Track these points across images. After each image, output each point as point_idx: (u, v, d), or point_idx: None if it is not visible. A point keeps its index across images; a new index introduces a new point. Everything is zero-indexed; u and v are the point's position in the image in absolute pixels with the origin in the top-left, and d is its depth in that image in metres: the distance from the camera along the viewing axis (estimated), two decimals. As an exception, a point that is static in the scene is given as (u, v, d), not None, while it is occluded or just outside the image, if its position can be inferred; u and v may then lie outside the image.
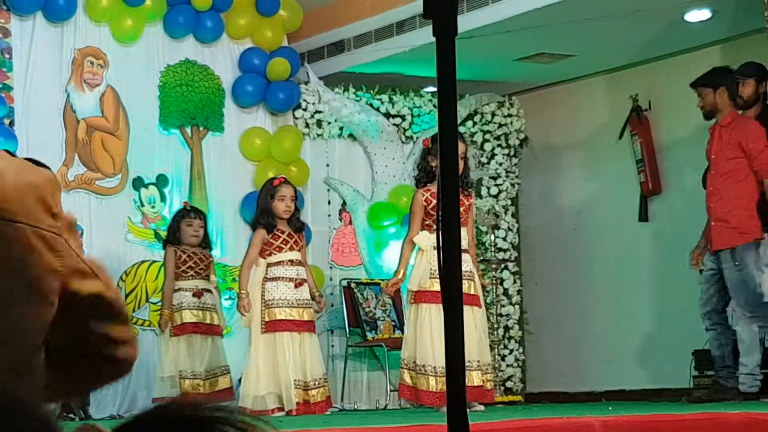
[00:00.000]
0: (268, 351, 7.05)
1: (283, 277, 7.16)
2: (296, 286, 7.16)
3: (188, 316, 7.69)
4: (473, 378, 6.43)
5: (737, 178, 6.94)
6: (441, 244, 1.63)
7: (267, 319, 7.06)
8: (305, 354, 7.14)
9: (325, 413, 7.19)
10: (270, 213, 7.16)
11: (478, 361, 6.51)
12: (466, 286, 6.55)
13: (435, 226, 6.55)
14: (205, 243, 7.88)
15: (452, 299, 1.64)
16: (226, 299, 8.56)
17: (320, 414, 7.16)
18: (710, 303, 7.16)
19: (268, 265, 7.18)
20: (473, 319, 6.50)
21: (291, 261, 7.20)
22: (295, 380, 7.06)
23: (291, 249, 7.20)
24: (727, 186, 6.98)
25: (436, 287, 6.39)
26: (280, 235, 7.20)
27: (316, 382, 7.17)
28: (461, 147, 6.61)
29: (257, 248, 7.19)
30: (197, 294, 7.73)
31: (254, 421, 0.91)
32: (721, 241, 6.99)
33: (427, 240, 6.61)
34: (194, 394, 7.53)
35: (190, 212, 7.84)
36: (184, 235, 7.75)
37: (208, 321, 7.76)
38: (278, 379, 7.08)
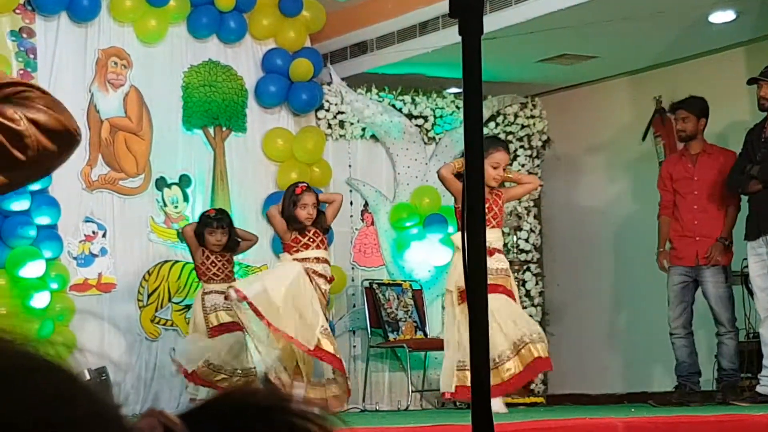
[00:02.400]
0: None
1: (313, 271, 7.29)
2: (328, 282, 7.32)
3: (224, 317, 7.69)
4: (538, 350, 6.46)
5: (720, 201, 7.58)
6: (466, 244, 1.63)
7: None
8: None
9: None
10: (295, 220, 7.26)
11: (538, 333, 6.54)
12: (504, 282, 6.62)
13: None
14: (229, 248, 7.84)
15: (477, 301, 1.64)
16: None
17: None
18: (685, 313, 7.70)
19: (295, 260, 7.27)
20: (512, 304, 6.56)
21: (317, 258, 7.32)
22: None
23: (318, 247, 7.32)
24: (714, 207, 7.58)
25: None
26: (307, 233, 7.30)
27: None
28: (507, 158, 6.69)
29: (281, 226, 7.31)
30: (228, 297, 7.75)
31: (322, 413, 0.92)
32: (707, 257, 7.55)
33: None
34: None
35: (212, 221, 7.77)
36: (207, 243, 7.74)
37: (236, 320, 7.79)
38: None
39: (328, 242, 8.64)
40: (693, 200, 7.67)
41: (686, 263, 7.64)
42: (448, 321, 6.75)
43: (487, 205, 6.53)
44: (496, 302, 6.41)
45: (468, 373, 6.48)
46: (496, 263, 6.50)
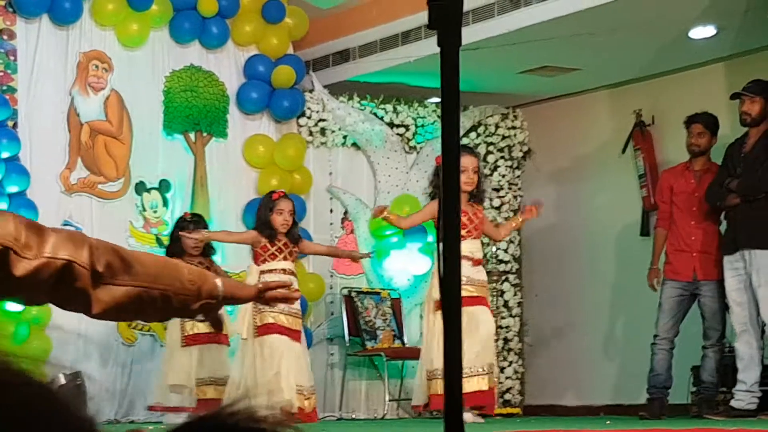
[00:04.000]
0: (261, 354, 7.04)
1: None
2: None
3: (202, 327, 7.63)
4: (486, 382, 6.42)
5: (711, 217, 7.60)
6: (441, 256, 1.63)
7: (259, 323, 7.07)
8: (300, 360, 7.14)
9: (315, 422, 7.19)
10: (269, 226, 7.20)
11: (491, 365, 6.50)
12: (485, 294, 6.60)
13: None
14: (206, 251, 7.79)
15: (452, 312, 1.64)
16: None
17: (314, 422, 7.14)
18: (675, 327, 7.70)
19: (261, 272, 7.18)
20: (489, 323, 6.51)
21: (284, 270, 7.22)
22: (297, 385, 7.05)
23: (285, 258, 7.24)
24: (709, 223, 7.58)
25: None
26: (276, 243, 7.22)
27: (309, 390, 7.17)
28: (474, 161, 6.66)
29: (247, 236, 7.19)
30: None
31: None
32: (705, 272, 7.54)
33: None
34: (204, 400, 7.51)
35: (189, 224, 7.71)
36: (185, 247, 7.68)
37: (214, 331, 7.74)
38: (270, 383, 7.05)
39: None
40: (691, 216, 7.67)
41: (683, 278, 7.64)
42: (428, 332, 6.71)
43: (467, 217, 6.54)
44: (484, 315, 6.42)
45: (440, 381, 6.51)
46: (479, 274, 6.52)
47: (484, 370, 6.34)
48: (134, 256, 1.98)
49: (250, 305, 7.12)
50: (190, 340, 7.61)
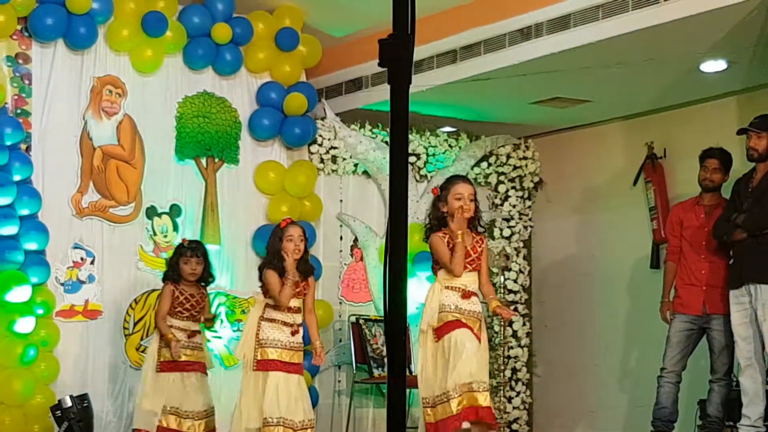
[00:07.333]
0: (258, 387, 6.96)
1: (279, 320, 7.05)
2: (292, 334, 7.06)
3: (181, 355, 7.60)
4: (485, 398, 6.36)
5: (720, 252, 7.57)
6: (388, 286, 1.65)
7: (259, 358, 6.97)
8: (295, 394, 7.01)
9: None
10: (280, 255, 7.06)
11: (485, 383, 6.44)
12: (473, 324, 6.52)
13: (444, 268, 6.58)
14: (204, 279, 7.69)
15: (396, 327, 1.66)
16: (234, 330, 8.61)
17: None
18: (683, 361, 7.68)
19: (267, 305, 7.09)
20: (476, 347, 6.42)
21: (289, 308, 7.09)
22: (284, 418, 6.92)
23: (294, 296, 7.09)
24: (719, 258, 7.55)
25: (450, 318, 6.40)
26: (287, 279, 7.06)
27: (305, 423, 7.04)
28: (470, 188, 6.62)
29: (277, 287, 7.09)
30: (191, 335, 7.62)
31: None
32: (715, 306, 7.52)
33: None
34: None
35: (186, 250, 7.63)
36: (183, 273, 7.60)
37: (195, 360, 7.63)
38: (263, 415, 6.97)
39: (315, 277, 8.62)
40: (701, 250, 7.66)
41: (692, 312, 7.62)
42: (422, 359, 6.65)
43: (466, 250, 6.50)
44: (462, 336, 6.35)
45: (428, 410, 6.47)
46: (470, 305, 6.47)
47: (458, 394, 6.27)
48: None
49: (252, 336, 7.03)
50: (164, 368, 7.50)
